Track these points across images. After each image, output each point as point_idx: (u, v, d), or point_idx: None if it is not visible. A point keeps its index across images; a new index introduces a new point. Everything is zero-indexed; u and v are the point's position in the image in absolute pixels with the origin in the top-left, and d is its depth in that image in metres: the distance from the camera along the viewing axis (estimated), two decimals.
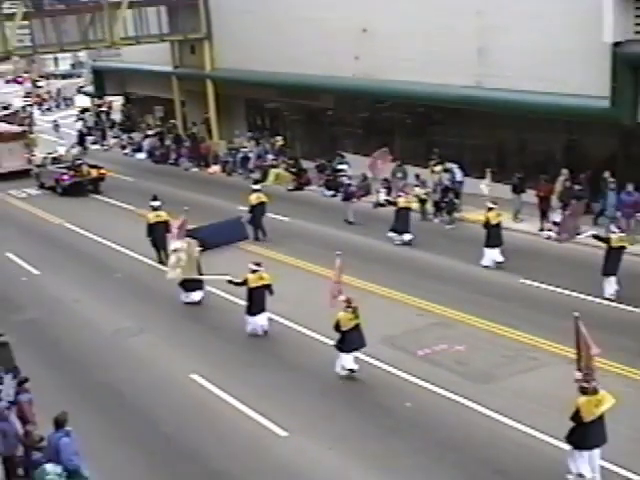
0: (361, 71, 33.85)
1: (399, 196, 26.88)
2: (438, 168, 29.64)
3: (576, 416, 12.65)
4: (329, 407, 15.92)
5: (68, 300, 23.13)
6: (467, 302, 20.58)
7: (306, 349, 18.67)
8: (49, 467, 12.21)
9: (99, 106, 59.61)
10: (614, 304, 19.90)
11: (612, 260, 20.16)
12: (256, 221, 27.64)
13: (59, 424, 12.68)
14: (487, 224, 23.42)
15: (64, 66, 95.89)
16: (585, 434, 12.70)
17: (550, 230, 25.43)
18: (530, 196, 26.87)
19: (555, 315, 19.42)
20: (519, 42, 26.99)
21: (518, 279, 22.09)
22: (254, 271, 19.31)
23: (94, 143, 52.22)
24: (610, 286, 20.26)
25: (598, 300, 20.16)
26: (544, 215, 26.14)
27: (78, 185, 37.46)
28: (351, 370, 16.90)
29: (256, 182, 29.91)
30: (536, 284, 21.68)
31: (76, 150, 45.89)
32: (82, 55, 68.67)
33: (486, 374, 16.64)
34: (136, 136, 50.12)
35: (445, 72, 29.46)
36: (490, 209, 23.62)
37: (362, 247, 26.06)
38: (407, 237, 26.03)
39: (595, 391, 12.69)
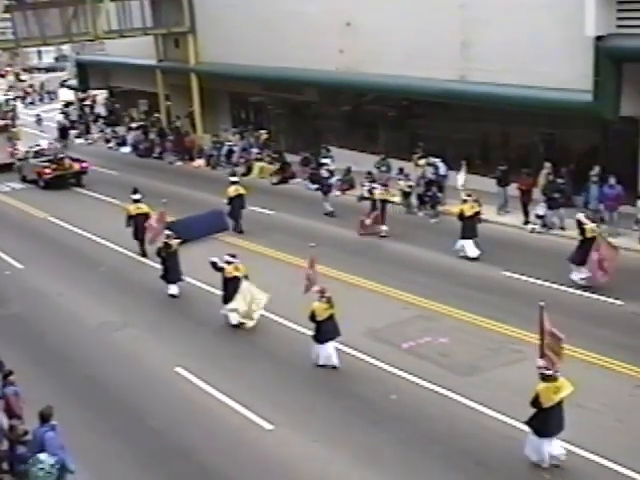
0: (345, 65, 33.84)
1: (374, 188, 27.00)
2: (422, 162, 29.67)
3: (535, 402, 12.94)
4: (314, 400, 15.96)
5: (52, 294, 23.05)
6: (451, 295, 20.65)
7: (290, 341, 18.69)
8: (43, 457, 12.14)
9: (83, 100, 59.34)
10: (595, 296, 20.02)
11: (584, 249, 20.50)
12: (235, 213, 27.82)
13: (44, 418, 12.64)
14: (461, 216, 23.69)
15: (47, 59, 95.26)
16: (545, 420, 13.01)
17: (535, 224, 25.52)
18: (514, 189, 26.96)
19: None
20: (502, 36, 27.04)
21: (501, 271, 22.17)
22: (229, 262, 19.62)
23: (78, 137, 51.96)
24: (580, 273, 20.68)
25: (579, 292, 20.28)
26: (526, 208, 26.22)
27: (60, 178, 37.38)
28: (322, 366, 17.13)
29: (234, 174, 30.07)
30: (518, 276, 21.77)
31: (58, 144, 45.63)
32: (66, 48, 68.26)
33: (470, 366, 16.71)
34: (120, 130, 49.92)
35: (429, 66, 29.44)
36: (464, 201, 23.93)
37: (345, 240, 26.11)
38: (383, 228, 26.21)
39: (555, 378, 12.93)
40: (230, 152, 39.27)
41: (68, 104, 59.95)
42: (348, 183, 32.35)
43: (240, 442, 14.60)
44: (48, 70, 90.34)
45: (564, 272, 21.14)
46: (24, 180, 39.39)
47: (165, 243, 22.20)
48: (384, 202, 26.52)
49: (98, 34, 39.80)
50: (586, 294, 20.19)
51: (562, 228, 25.12)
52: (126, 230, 25.82)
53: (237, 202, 27.90)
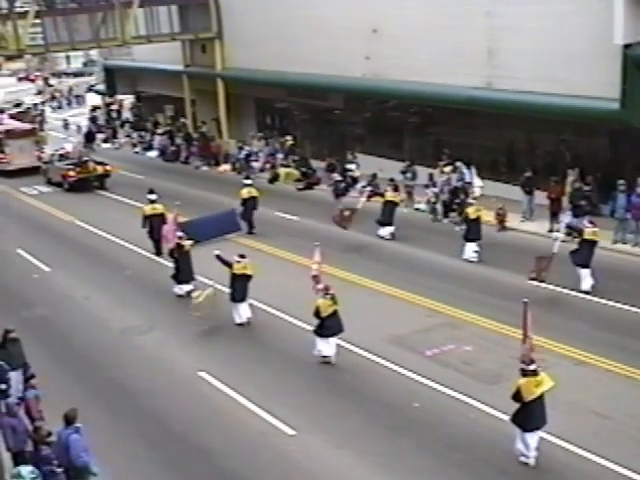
0: (371, 71, 33.85)
1: (386, 191, 27.54)
2: (448, 169, 29.61)
3: (517, 396, 13.39)
4: (336, 406, 15.94)
5: (78, 297, 23.22)
6: (476, 302, 20.58)
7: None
8: (24, 471, 12.11)
9: (110, 104, 59.78)
10: (619, 305, 19.87)
11: (583, 252, 20.82)
12: (247, 214, 28.38)
13: (69, 420, 12.73)
14: (467, 218, 24.39)
15: (76, 64, 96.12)
16: (529, 415, 13.41)
17: (559, 231, 25.35)
18: (539, 197, 26.81)
19: (562, 316, 19.47)
20: (529, 43, 26.94)
21: (526, 280, 22.06)
22: (238, 262, 20.14)
23: (105, 141, 52.36)
24: (585, 280, 20.86)
25: (604, 301, 20.15)
26: (555, 216, 26.05)
27: (84, 181, 37.89)
28: (324, 357, 17.64)
29: (248, 177, 30.90)
30: (544, 285, 21.65)
31: (82, 147, 46.05)
32: (94, 53, 68.84)
33: (494, 375, 16.63)
34: (147, 135, 50.22)
35: (455, 73, 29.43)
36: (470, 204, 24.79)
37: (368, 247, 26.14)
38: (390, 229, 26.77)
39: (535, 373, 13.38)
40: (248, 156, 39.46)
41: (96, 108, 60.45)
42: (373, 190, 32.26)
43: (262, 447, 14.61)
44: (76, 75, 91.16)
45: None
46: (49, 182, 39.92)
47: (178, 244, 22.55)
48: (393, 204, 27.05)
49: (126, 39, 40.14)
50: (610, 303, 20.05)
51: None
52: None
53: (250, 204, 28.47)
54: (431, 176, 29.19)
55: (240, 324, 20.25)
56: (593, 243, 20.98)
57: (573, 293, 20.84)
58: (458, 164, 29.11)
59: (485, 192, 28.38)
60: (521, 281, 21.98)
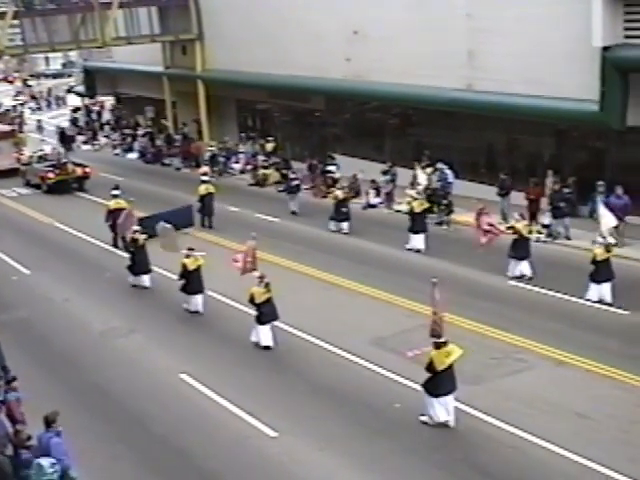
0: (352, 73, 33.92)
1: (337, 188, 28.87)
2: (429, 170, 29.67)
3: (430, 367, 14.69)
4: (318, 407, 15.93)
5: (58, 299, 23.09)
6: (456, 304, 20.50)
7: (295, 349, 18.71)
8: (44, 462, 12.11)
9: (91, 106, 59.47)
10: (603, 307, 19.99)
11: (521, 246, 22.25)
12: (206, 210, 29.72)
13: (49, 423, 12.64)
14: (411, 212, 25.56)
15: (55, 65, 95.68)
16: (438, 382, 14.67)
17: (540, 233, 25.50)
18: (517, 198, 26.91)
19: (543, 317, 19.55)
20: (509, 45, 27.10)
21: (506, 281, 22.16)
22: (188, 256, 21.08)
23: (85, 143, 52.13)
24: (517, 268, 22.18)
25: (588, 304, 20.24)
26: (533, 218, 26.19)
27: (63, 183, 37.71)
28: (267, 347, 18.57)
29: (205, 174, 32.16)
30: (523, 285, 21.78)
31: (61, 149, 45.80)
32: (73, 55, 68.55)
33: (474, 376, 16.63)
34: (127, 136, 50.01)
35: (436, 75, 29.54)
36: (415, 199, 25.96)
37: (347, 247, 26.23)
38: (345, 225, 27.97)
39: (446, 344, 14.72)
40: (213, 157, 39.57)
41: (77, 110, 60.13)
42: (354, 191, 32.35)
43: (244, 449, 14.57)
44: (55, 76, 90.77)
45: (570, 282, 21.17)
46: (28, 184, 39.71)
47: (132, 238, 23.68)
48: (345, 201, 28.26)
49: (106, 41, 40.02)
50: (589, 304, 20.16)
51: (567, 238, 25.10)
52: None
53: (208, 200, 29.82)
54: (415, 177, 29.25)
55: (195, 311, 21.10)
56: (527, 239, 22.48)
57: (558, 295, 20.93)
58: (440, 165, 29.20)
59: (466, 193, 28.54)
60: (501, 282, 22.08)
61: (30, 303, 22.89)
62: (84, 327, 20.91)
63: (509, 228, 22.89)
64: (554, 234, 25.40)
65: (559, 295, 20.95)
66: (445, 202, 28.22)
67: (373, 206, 29.66)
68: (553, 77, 25.75)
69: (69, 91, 69.69)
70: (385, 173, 31.45)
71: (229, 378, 17.37)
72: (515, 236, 22.43)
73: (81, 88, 59.12)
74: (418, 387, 15.97)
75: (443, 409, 14.76)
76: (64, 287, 24.11)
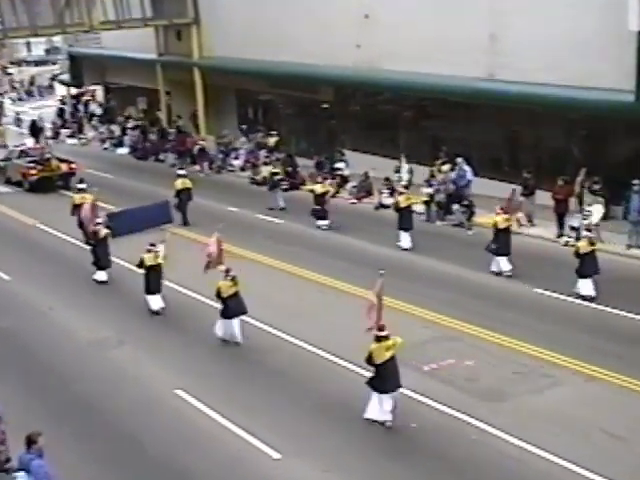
0: (362, 60, 33.94)
1: (317, 182, 29.74)
2: (445, 167, 29.72)
3: (369, 359, 15.61)
4: (325, 425, 15.94)
5: (42, 307, 23.12)
6: (477, 313, 20.63)
7: (299, 361, 18.78)
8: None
9: (78, 96, 59.58)
10: (631, 315, 20.00)
11: (502, 241, 23.27)
12: (182, 206, 30.48)
13: (31, 443, 12.62)
14: (397, 207, 26.43)
15: (37, 52, 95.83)
16: (382, 379, 15.53)
17: (569, 236, 25.44)
18: (542, 198, 26.89)
19: (571, 328, 19.53)
20: (536, 29, 27.07)
21: (532, 288, 22.17)
22: (149, 250, 21.88)
23: (70, 137, 52.27)
24: (503, 264, 23.23)
25: (622, 313, 20.25)
26: (561, 219, 26.16)
27: (47, 180, 37.69)
28: (230, 341, 19.63)
29: (182, 168, 33.04)
30: (550, 293, 21.80)
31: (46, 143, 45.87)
32: (57, 40, 68.73)
33: (497, 392, 16.68)
34: (117, 129, 50.19)
35: (453, 62, 29.55)
36: (400, 193, 26.98)
37: (358, 252, 26.26)
38: (326, 222, 28.80)
39: (387, 338, 15.53)
40: (201, 151, 39.98)
41: (63, 100, 60.26)
42: (365, 190, 32.45)
43: (246, 473, 14.56)
44: (38, 64, 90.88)
45: (603, 291, 21.16)
46: (8, 182, 39.65)
47: (93, 231, 24.89)
48: (324, 195, 29.02)
49: (93, 25, 40.12)
50: (623, 313, 20.16)
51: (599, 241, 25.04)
52: (123, 240, 26.38)
53: (185, 195, 30.65)
54: (432, 174, 29.28)
55: (156, 312, 21.88)
56: (507, 230, 23.46)
57: (584, 303, 20.95)
58: (459, 160, 29.22)
59: (486, 192, 28.53)
60: (526, 289, 22.09)
61: (11, 312, 22.92)
62: (70, 337, 20.95)
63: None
64: (594, 241, 25.18)
65: (585, 303, 20.97)
66: (465, 202, 28.22)
67: (386, 207, 29.68)
68: (584, 65, 25.68)
69: (53, 80, 69.83)
70: (398, 171, 31.48)
71: (228, 393, 17.37)
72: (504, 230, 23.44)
73: (66, 77, 59.22)
74: (437, 405, 16.03)
75: (386, 408, 15.62)
76: (48, 294, 24.16)
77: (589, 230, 22.18)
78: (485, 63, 29.05)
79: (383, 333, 15.61)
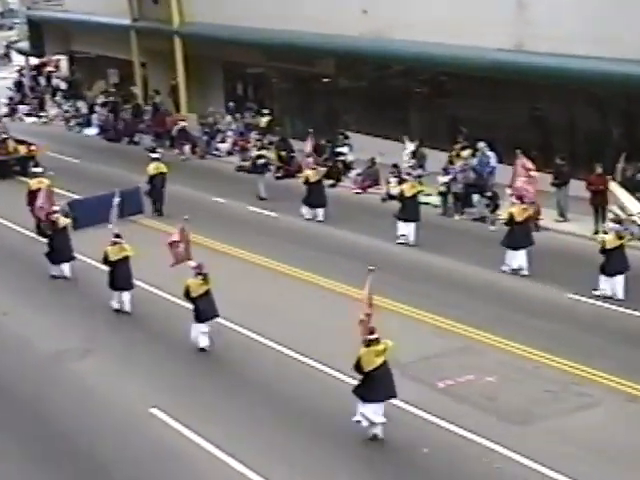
0: (369, 29, 33.90)
1: (310, 168, 30.03)
2: (466, 153, 29.70)
3: (358, 366, 15.79)
4: (324, 449, 15.91)
5: None
6: (500, 321, 20.62)
7: (289, 373, 18.87)
8: None
9: (39, 67, 59.49)
10: None
11: (519, 234, 23.56)
12: (156, 193, 30.75)
13: None
14: (402, 196, 26.85)
15: None
16: (370, 386, 15.74)
17: (606, 232, 25.37)
18: (577, 189, 26.86)
19: (612, 339, 19.52)
20: None
21: (565, 294, 22.16)
22: (114, 243, 22.23)
23: (29, 115, 52.23)
24: (516, 260, 23.46)
25: None
26: (599, 213, 26.12)
27: (1, 165, 37.80)
28: (202, 349, 19.88)
29: (154, 150, 33.18)
30: (586, 299, 21.79)
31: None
32: (13, 1, 68.68)
33: (524, 413, 16.66)
34: (84, 106, 50.14)
35: (475, 31, 29.50)
36: (404, 181, 27.60)
37: (361, 249, 26.29)
38: (320, 212, 29.35)
39: (377, 342, 15.69)
40: (182, 132, 40.11)
41: (21, 72, 60.19)
42: (371, 178, 32.42)
43: None
44: None
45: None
46: None
47: (52, 221, 25.22)
48: (319, 184, 29.66)
49: None
50: None
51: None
52: (89, 235, 26.39)
53: (158, 181, 30.85)
54: (450, 160, 29.23)
55: (117, 310, 22.37)
56: (526, 223, 23.78)
57: (628, 311, 20.96)
58: (481, 145, 29.17)
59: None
60: (558, 295, 22.07)
61: None
62: (27, 348, 20.91)
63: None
64: (623, 235, 25.19)
65: (629, 311, 20.95)
66: (488, 194, 28.18)
67: (395, 197, 29.65)
68: (628, 34, 25.60)
69: (9, 48, 69.73)
70: (411, 156, 31.47)
71: (211, 412, 17.34)
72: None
73: (25, 45, 59.04)
74: (453, 427, 16.03)
75: (376, 417, 15.81)
76: (2, 297, 24.17)
77: (619, 222, 22.37)
78: (512, 32, 28.99)
79: (373, 337, 15.75)
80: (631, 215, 23.65)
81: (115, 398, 18.32)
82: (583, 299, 21.85)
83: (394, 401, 17.26)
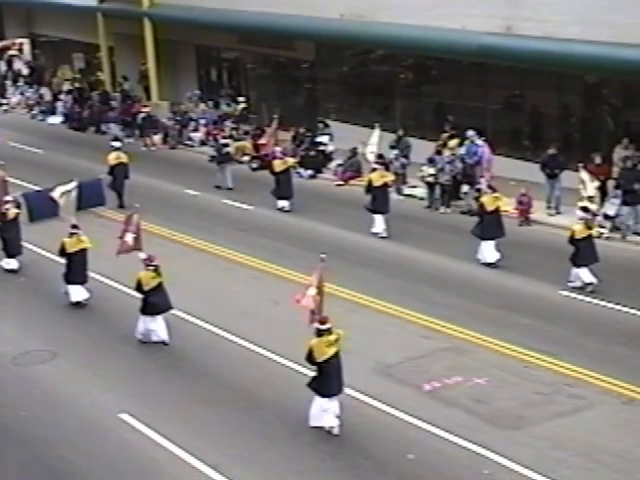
0: (351, 11, 33.88)
1: (275, 158, 30.38)
2: (453, 142, 29.74)
3: (309, 357, 16.24)
4: (304, 458, 15.92)
5: None
6: (489, 320, 20.68)
7: (256, 368, 19.02)
8: None
9: (2, 50, 59.20)
10: None
11: (490, 224, 23.89)
12: (117, 184, 31.06)
13: None
14: (370, 186, 26.84)
15: None
16: (325, 380, 16.23)
17: (602, 227, 25.46)
18: (571, 180, 26.90)
19: (607, 338, 19.60)
20: None
21: (557, 290, 22.26)
22: (72, 234, 22.59)
23: None
24: (488, 252, 23.73)
25: None
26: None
27: None
28: (163, 342, 20.28)
29: (116, 139, 33.51)
30: (582, 297, 21.89)
31: None
32: None
33: (514, 417, 16.71)
34: (48, 93, 49.96)
35: (462, 13, 29.52)
36: (374, 169, 27.52)
37: (347, 245, 26.32)
38: (286, 204, 29.76)
39: (329, 332, 16.10)
40: (145, 120, 40.34)
41: None
42: (353, 169, 32.44)
43: None
44: None
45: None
46: None
47: (1, 212, 25.60)
48: (287, 172, 29.99)
49: None
50: None
51: (638, 233, 25.09)
52: (53, 229, 26.12)
53: (119, 171, 31.09)
54: (439, 151, 29.23)
55: (77, 302, 22.69)
56: (497, 212, 24.04)
57: (624, 309, 21.05)
58: (470, 134, 29.19)
59: (502, 173, 28.55)
60: (550, 292, 22.16)
61: None
62: None
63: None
64: (622, 228, 25.28)
65: (625, 309, 21.06)
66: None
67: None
68: (622, 17, 25.66)
69: None
70: (394, 147, 31.47)
71: (184, 419, 17.30)
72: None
73: None
74: (440, 432, 16.07)
75: (331, 413, 16.33)
76: None
77: (585, 210, 22.75)
78: (502, 15, 28.98)
79: (324, 327, 16.11)
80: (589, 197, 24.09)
81: (82, 403, 18.23)
82: (576, 296, 21.93)
83: (378, 404, 17.40)
